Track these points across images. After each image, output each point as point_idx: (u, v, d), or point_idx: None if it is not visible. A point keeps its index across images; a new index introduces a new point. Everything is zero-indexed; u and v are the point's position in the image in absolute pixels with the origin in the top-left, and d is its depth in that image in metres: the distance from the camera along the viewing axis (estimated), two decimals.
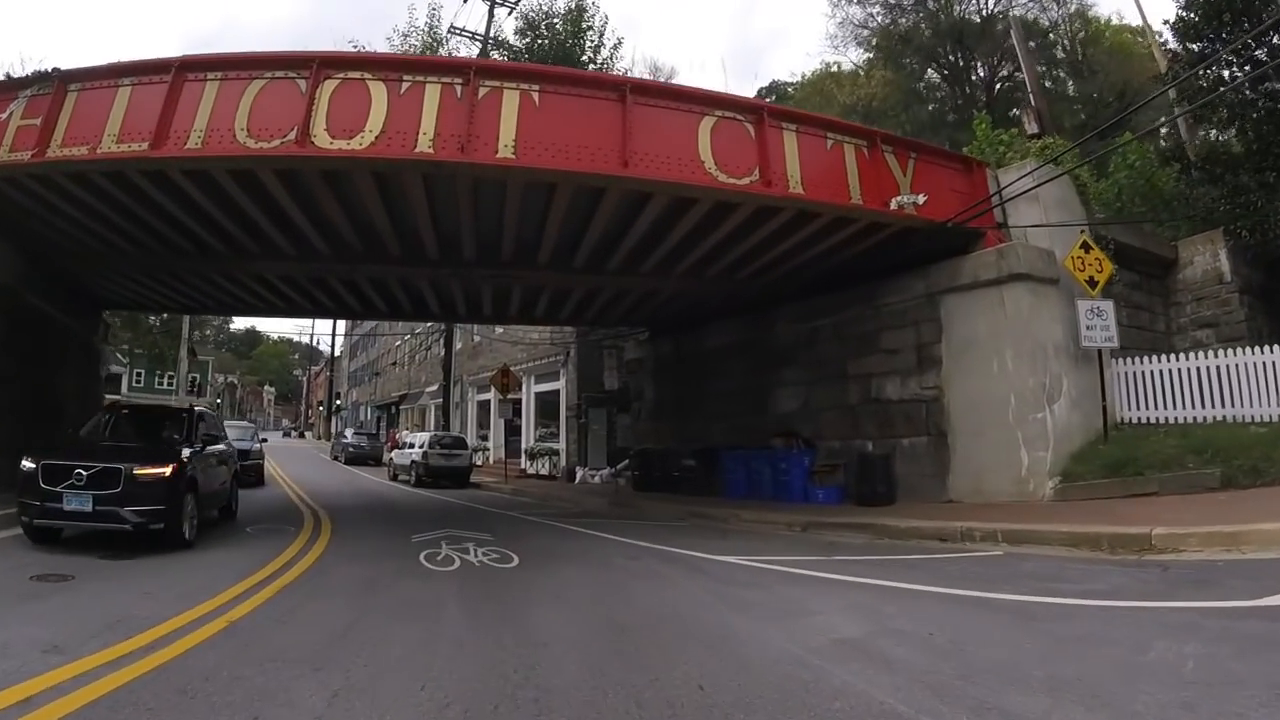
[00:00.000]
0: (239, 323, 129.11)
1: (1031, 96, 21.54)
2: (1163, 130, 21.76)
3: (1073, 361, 11.93)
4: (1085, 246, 12.17)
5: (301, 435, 72.42)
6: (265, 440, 29.80)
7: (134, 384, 66.35)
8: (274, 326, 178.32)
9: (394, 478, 23.81)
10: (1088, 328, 11.66)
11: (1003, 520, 9.17)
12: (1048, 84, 30.22)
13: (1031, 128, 20.20)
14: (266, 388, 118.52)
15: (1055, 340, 11.85)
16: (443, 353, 35.75)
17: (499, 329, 28.82)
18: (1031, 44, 29.40)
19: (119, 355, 47.98)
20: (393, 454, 24.87)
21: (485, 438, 29.67)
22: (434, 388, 36.11)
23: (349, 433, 37.47)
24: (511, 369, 22.90)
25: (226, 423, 20.43)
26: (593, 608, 5.56)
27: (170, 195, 10.39)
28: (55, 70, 9.61)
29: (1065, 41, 32.20)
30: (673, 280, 14.68)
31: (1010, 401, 11.53)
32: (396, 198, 10.53)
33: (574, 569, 7.27)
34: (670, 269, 13.86)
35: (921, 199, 11.69)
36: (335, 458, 35.56)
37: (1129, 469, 10.37)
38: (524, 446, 25.49)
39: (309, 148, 8.81)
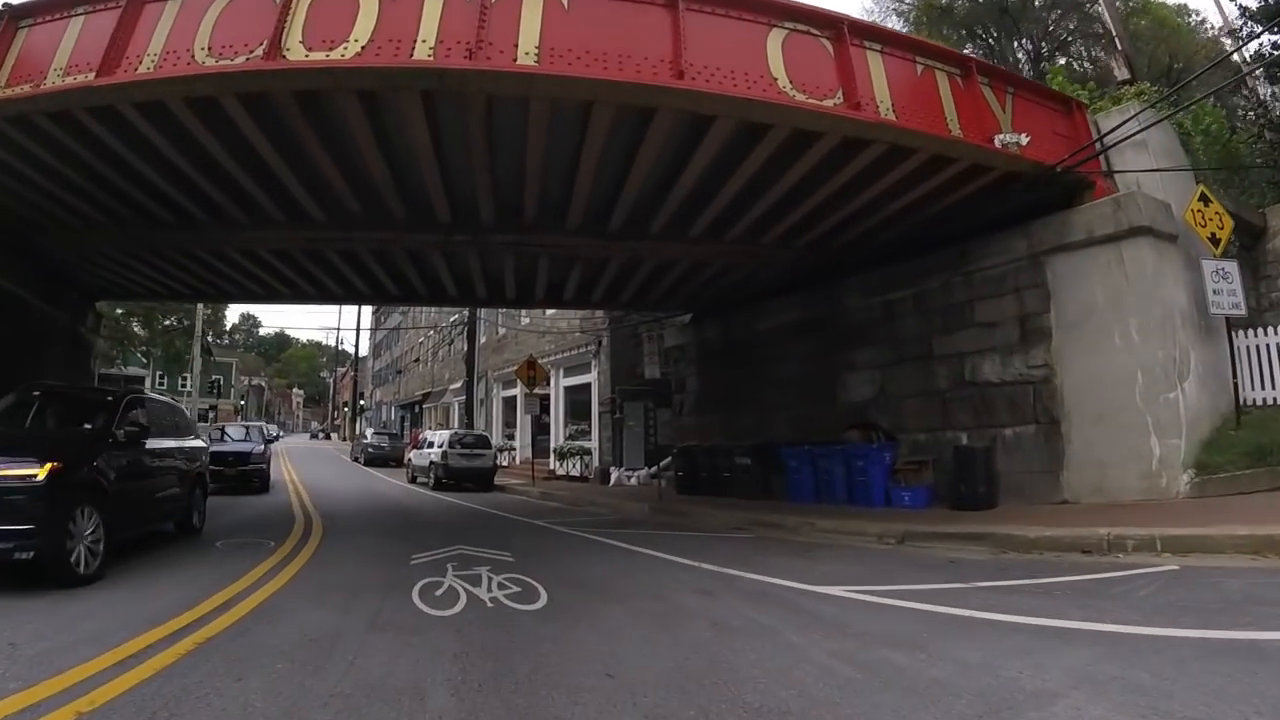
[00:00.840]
0: (267, 326, 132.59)
1: (1118, 40, 19.31)
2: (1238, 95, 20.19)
3: (1197, 332, 10.12)
4: (1204, 199, 10.45)
5: (328, 437, 71.51)
6: (275, 439, 28.47)
7: (156, 385, 66.02)
8: (299, 321, 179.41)
9: (412, 480, 22.12)
10: (1214, 292, 10.04)
11: (1151, 524, 7.43)
12: (1093, 54, 28.34)
13: (1121, 73, 17.95)
14: (295, 390, 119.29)
15: (1180, 306, 9.98)
16: (465, 347, 34.12)
17: (525, 318, 27.03)
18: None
19: (141, 356, 47.38)
20: (411, 454, 23.16)
21: (511, 436, 27.87)
22: (457, 385, 34.46)
23: (369, 433, 35.92)
24: (538, 361, 21.03)
25: (234, 424, 18.79)
26: (675, 701, 3.37)
27: (127, 141, 8.74)
28: (6, 6, 8.24)
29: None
30: (724, 248, 12.73)
31: (1137, 380, 9.57)
32: (394, 136, 8.68)
33: (625, 613, 5.21)
34: (723, 232, 11.91)
35: (1025, 139, 9.69)
36: (355, 459, 34.08)
37: (1276, 457, 8.93)
38: (553, 445, 23.61)
39: (279, 61, 7.03)
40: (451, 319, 35.53)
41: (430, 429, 36.45)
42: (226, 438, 15.61)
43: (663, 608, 5.49)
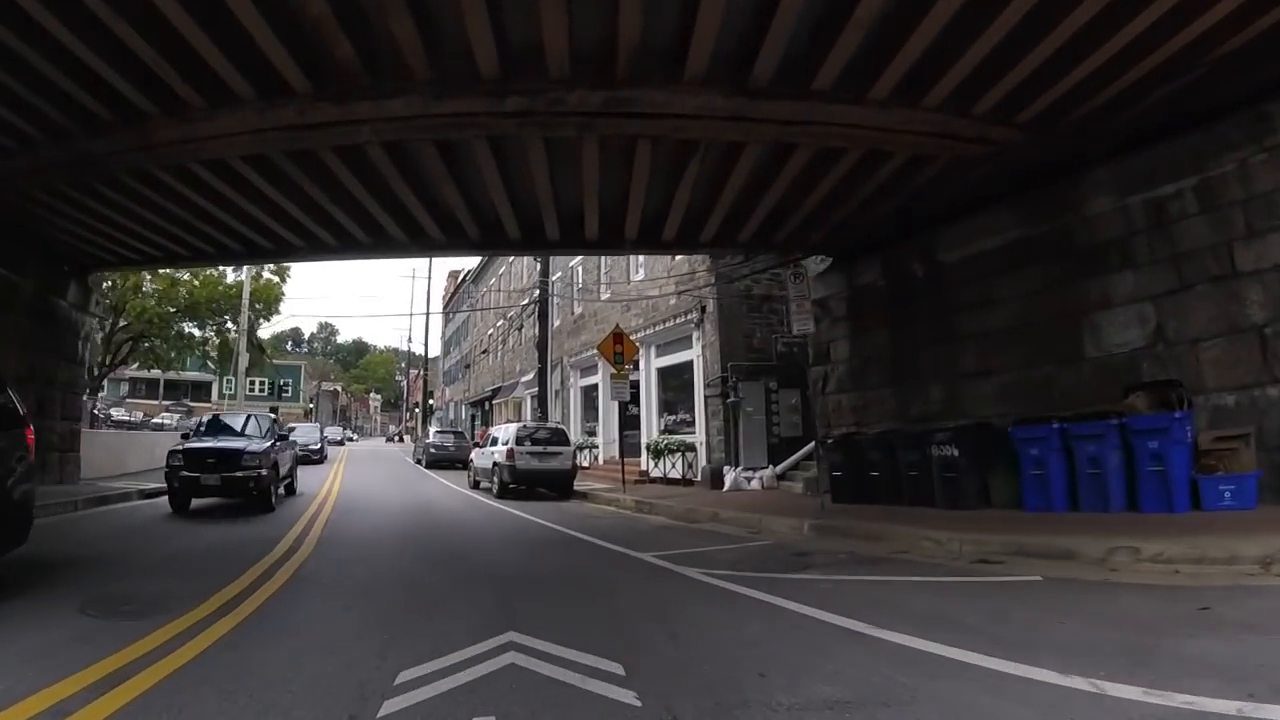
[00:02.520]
0: (345, 334, 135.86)
1: None
2: None
3: None
4: None
5: (401, 440, 69.50)
6: (340, 441, 25.84)
7: (224, 390, 65.32)
8: (375, 327, 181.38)
9: (475, 485, 18.36)
10: None
11: None
12: None
13: None
14: (372, 395, 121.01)
15: None
16: (536, 332, 30.32)
17: (605, 290, 22.95)
18: None
19: (209, 362, 45.65)
20: (473, 458, 19.40)
21: (592, 432, 23.79)
22: (529, 376, 30.73)
23: (431, 432, 32.53)
24: (626, 335, 16.85)
25: (233, 413, 15.43)
26: None
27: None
28: None
29: None
30: (918, 119, 8.34)
31: None
32: None
33: None
34: (920, 92, 7.65)
35: None
36: (417, 461, 30.85)
37: None
38: (645, 441, 19.41)
39: None
40: (523, 304, 31.86)
41: (498, 426, 32.94)
42: (219, 434, 12.01)
43: None
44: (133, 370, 58.48)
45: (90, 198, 10.73)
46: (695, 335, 17.56)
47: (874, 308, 12.87)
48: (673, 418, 18.91)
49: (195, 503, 11.29)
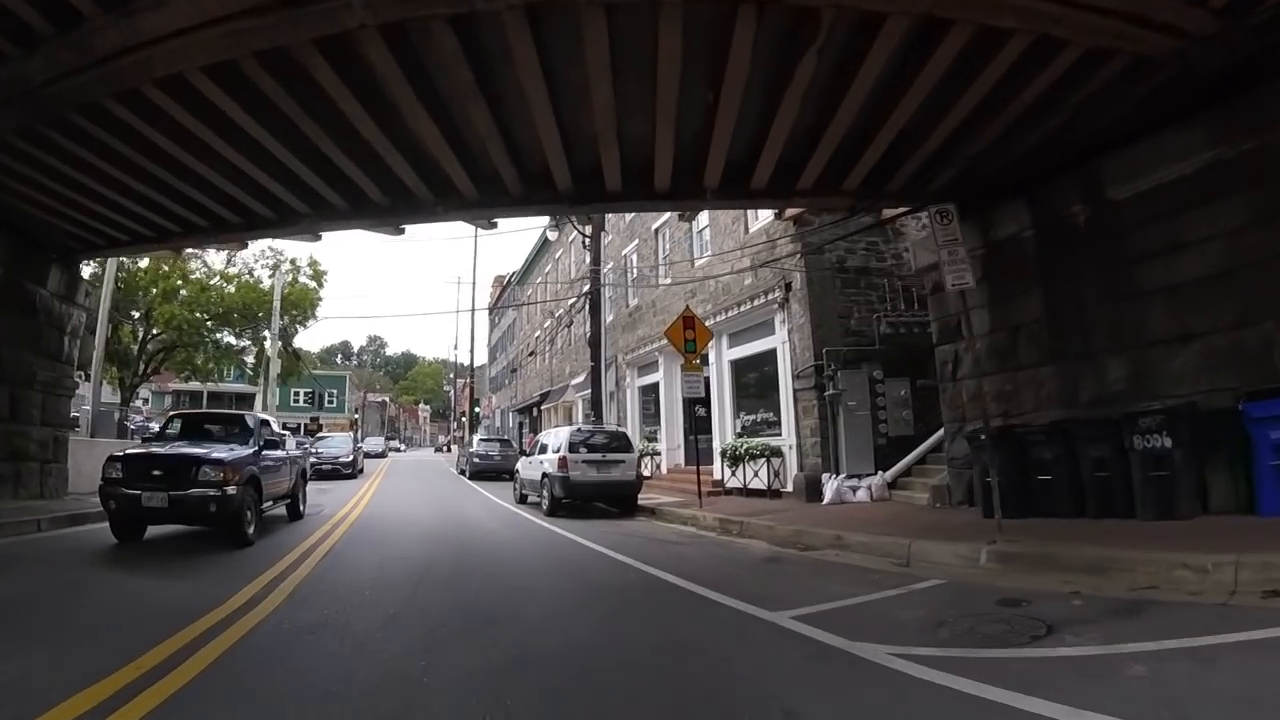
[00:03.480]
0: (394, 347, 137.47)
1: None
2: None
3: None
4: None
5: (449, 449, 68.06)
6: (386, 452, 23.71)
7: (268, 402, 64.67)
8: (423, 338, 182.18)
9: (521, 500, 16.07)
10: None
11: None
12: None
13: None
14: (421, 406, 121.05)
15: None
16: (588, 328, 28.02)
17: (665, 275, 20.50)
18: None
19: (250, 372, 44.61)
20: (519, 468, 17.17)
21: (653, 437, 21.27)
22: (579, 378, 28.46)
23: (475, 440, 30.33)
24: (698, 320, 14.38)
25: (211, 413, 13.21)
26: None
27: None
28: None
29: None
30: None
31: None
32: None
33: None
34: None
35: None
36: (460, 472, 28.79)
37: None
38: (719, 446, 16.90)
39: None
40: (570, 300, 29.64)
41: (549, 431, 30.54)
42: (190, 437, 9.49)
43: None
44: (176, 383, 58.31)
45: (44, 150, 8.75)
46: (779, 318, 14.98)
47: (1020, 265, 10.16)
48: (751, 418, 16.32)
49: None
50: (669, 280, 20.24)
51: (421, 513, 13.57)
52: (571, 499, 13.25)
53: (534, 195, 10.12)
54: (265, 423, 10.71)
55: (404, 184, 9.67)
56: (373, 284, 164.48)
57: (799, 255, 14.54)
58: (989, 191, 10.48)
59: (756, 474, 14.68)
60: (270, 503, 10.34)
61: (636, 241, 23.02)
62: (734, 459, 15.27)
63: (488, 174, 9.56)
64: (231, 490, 8.15)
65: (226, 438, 9.64)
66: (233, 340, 37.75)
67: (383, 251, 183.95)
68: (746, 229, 16.62)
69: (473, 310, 52.52)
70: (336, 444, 26.44)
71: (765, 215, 16.22)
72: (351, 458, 25.54)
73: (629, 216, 24.18)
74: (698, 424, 19.71)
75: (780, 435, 14.82)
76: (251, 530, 8.70)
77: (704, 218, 18.79)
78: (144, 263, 33.92)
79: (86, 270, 32.99)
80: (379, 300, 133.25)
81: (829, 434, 13.59)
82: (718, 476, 16.42)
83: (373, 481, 21.89)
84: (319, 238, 13.44)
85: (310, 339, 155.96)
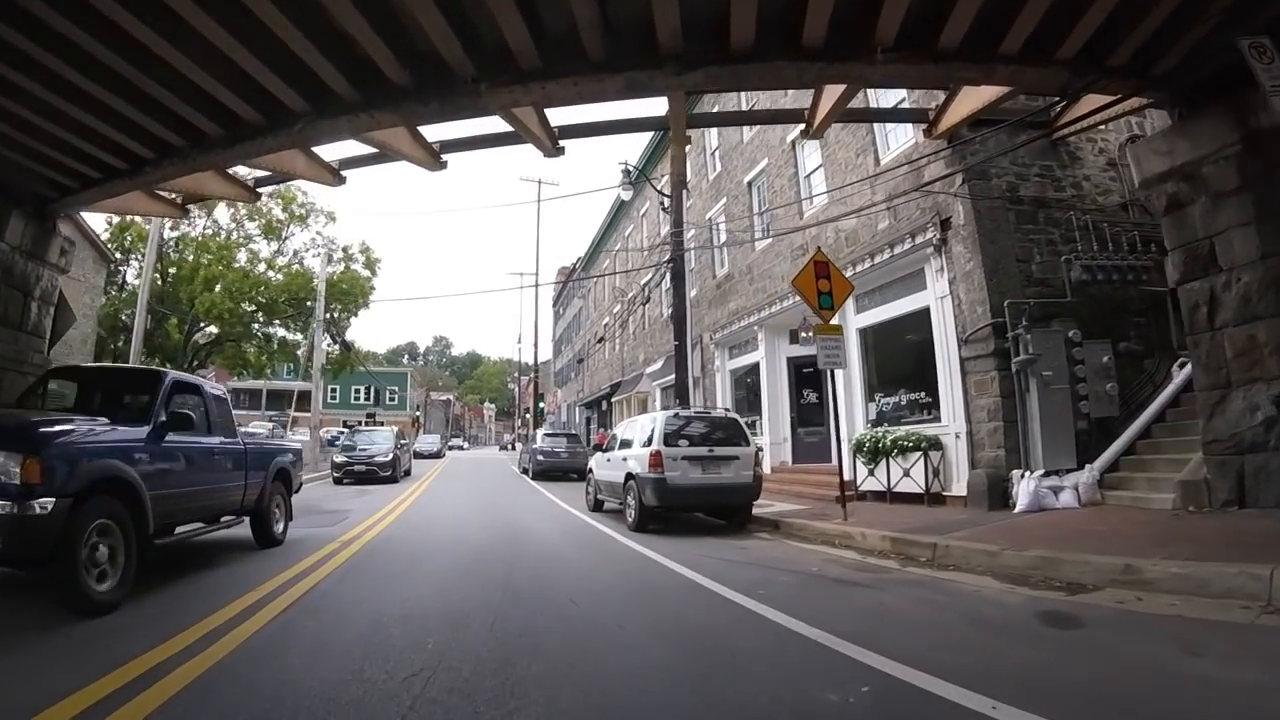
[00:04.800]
0: (460, 348, 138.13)
1: None
2: None
3: None
4: None
5: (513, 447, 65.90)
6: (432, 453, 20.42)
7: (328, 401, 63.46)
8: (488, 337, 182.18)
9: (596, 507, 12.85)
10: None
11: None
12: None
13: None
14: (487, 405, 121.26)
15: None
16: (664, 308, 24.76)
17: (763, 235, 17.03)
18: None
19: (307, 366, 42.49)
20: (592, 464, 13.93)
21: (752, 425, 17.79)
22: (656, 364, 25.19)
23: (539, 435, 26.31)
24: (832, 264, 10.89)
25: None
26: None
27: None
28: None
29: None
30: None
31: None
32: None
33: None
34: None
35: None
36: (523, 471, 25.84)
37: None
38: (847, 436, 13.36)
39: None
40: (644, 280, 26.42)
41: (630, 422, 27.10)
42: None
43: None
44: (235, 381, 57.46)
45: None
46: (932, 267, 11.39)
47: None
48: (891, 400, 12.69)
49: None
50: (768, 241, 16.78)
51: (466, 528, 10.33)
52: (667, 508, 9.98)
53: (622, 55, 6.86)
54: (185, 387, 6.85)
55: (430, 48, 6.59)
56: (432, 277, 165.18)
57: (960, 182, 10.94)
58: (1239, 71, 6.85)
59: (907, 473, 11.12)
60: (200, 525, 6.90)
61: (724, 201, 19.60)
62: (874, 454, 11.73)
63: (555, 28, 6.42)
64: (39, 507, 4.36)
65: (126, 411, 6.17)
66: (285, 334, 35.94)
67: (441, 240, 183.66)
68: (877, 160, 13.09)
69: (536, 285, 49.74)
70: (373, 441, 21.97)
71: (903, 140, 12.70)
72: (390, 458, 20.44)
73: (712, 173, 20.82)
74: (808, 413, 16.27)
75: (938, 421, 11.21)
76: (109, 584, 4.88)
77: (814, 157, 15.30)
78: (190, 256, 32.50)
79: (131, 273, 31.50)
80: (439, 293, 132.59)
81: (1016, 416, 9.99)
82: (850, 476, 12.90)
83: (418, 486, 18.86)
84: (341, 179, 10.58)
85: (375, 339, 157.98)
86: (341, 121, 7.54)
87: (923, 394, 11.80)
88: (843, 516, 9.43)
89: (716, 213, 20.05)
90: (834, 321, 10.36)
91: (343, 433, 22.81)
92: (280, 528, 8.36)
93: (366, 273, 36.04)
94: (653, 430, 10.26)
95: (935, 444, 11.05)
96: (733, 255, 19.19)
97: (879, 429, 12.10)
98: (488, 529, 10.24)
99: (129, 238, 30.65)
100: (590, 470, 13.49)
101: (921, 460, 10.98)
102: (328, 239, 34.49)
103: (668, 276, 22.42)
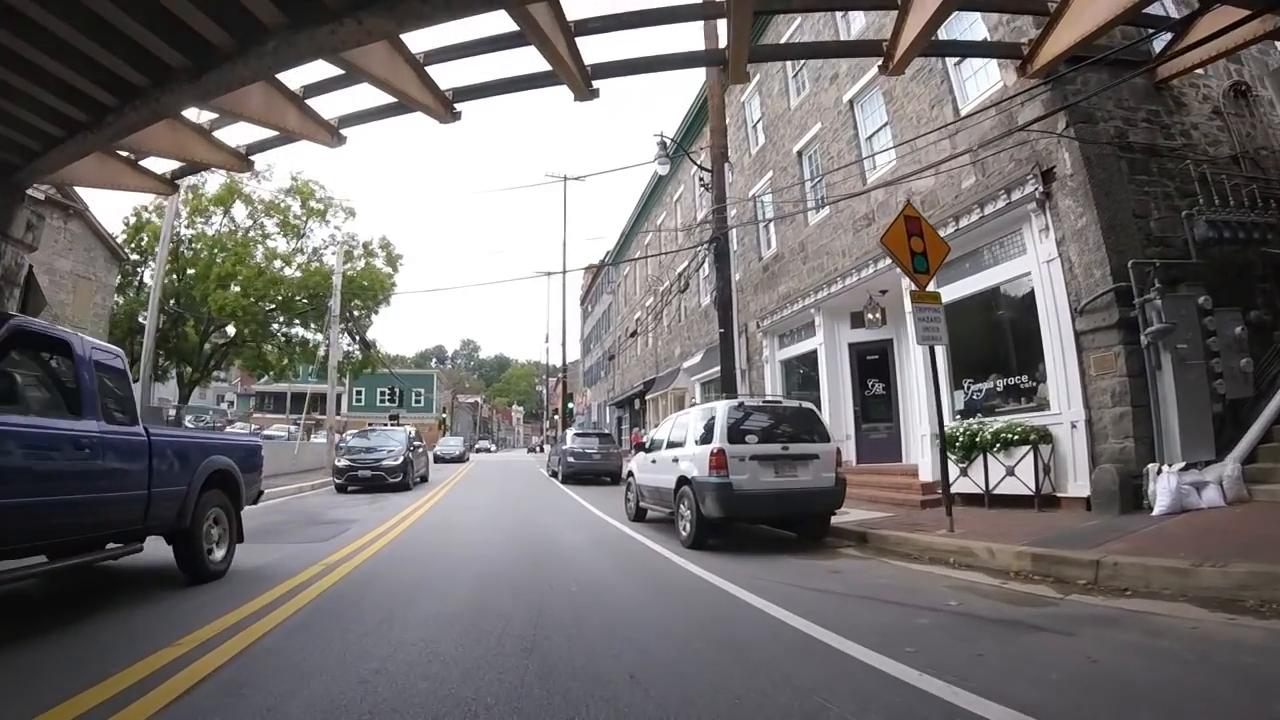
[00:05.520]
0: (487, 351, 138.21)
1: None
2: None
3: None
4: None
5: (541, 449, 64.75)
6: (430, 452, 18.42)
7: (354, 404, 62.75)
8: (515, 340, 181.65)
9: (638, 516, 11.24)
10: None
11: None
12: None
13: None
14: (515, 408, 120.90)
15: None
16: (702, 298, 23.13)
17: (817, 205, 15.38)
18: None
19: (344, 379, 41.23)
20: (632, 466, 12.10)
21: None
22: (696, 358, 23.59)
23: (569, 434, 23.98)
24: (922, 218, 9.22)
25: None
26: None
27: None
28: None
29: None
30: None
31: None
32: None
33: None
34: None
35: None
36: (552, 474, 24.28)
37: None
38: (923, 432, 11.69)
39: None
40: (680, 269, 24.85)
41: (655, 426, 25.33)
42: None
43: None
44: (260, 384, 56.98)
45: None
46: (1032, 228, 9.68)
47: None
48: (982, 386, 10.95)
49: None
50: (825, 212, 15.12)
51: (483, 547, 8.62)
52: (731, 520, 8.29)
53: None
54: (37, 340, 4.87)
55: None
56: (457, 275, 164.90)
57: (1064, 125, 9.25)
58: None
59: (1011, 471, 9.42)
60: (74, 555, 4.97)
61: (769, 175, 17.95)
62: (966, 450, 10.06)
63: None
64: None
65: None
66: (306, 334, 34.88)
67: (466, 238, 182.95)
68: (956, 111, 11.42)
69: (564, 270, 48.40)
70: (382, 442, 19.03)
71: (985, 85, 11.02)
72: (400, 461, 17.76)
73: (754, 148, 19.21)
74: (871, 407, 14.58)
75: (1045, 409, 9.51)
76: None
77: (878, 115, 13.63)
78: (205, 253, 31.49)
79: (148, 274, 30.48)
80: (462, 284, 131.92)
81: (1147, 399, 8.30)
82: (925, 477, 11.27)
83: (436, 492, 17.27)
84: (341, 138, 9.23)
85: (403, 343, 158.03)
86: (323, 34, 6.05)
87: (1023, 378, 10.08)
88: (947, 526, 7.79)
89: (761, 187, 18.39)
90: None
91: (352, 433, 20.70)
92: (221, 554, 6.31)
93: (388, 269, 34.90)
94: (712, 424, 8.55)
95: (1044, 435, 9.36)
96: (781, 234, 17.52)
97: (969, 421, 10.41)
98: (510, 548, 8.53)
99: (144, 238, 29.81)
100: (630, 474, 11.87)
101: (1030, 456, 9.29)
102: (348, 235, 33.45)
103: (706, 262, 20.88)
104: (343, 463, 18.08)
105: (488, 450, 70.50)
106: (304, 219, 32.44)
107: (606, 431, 28.72)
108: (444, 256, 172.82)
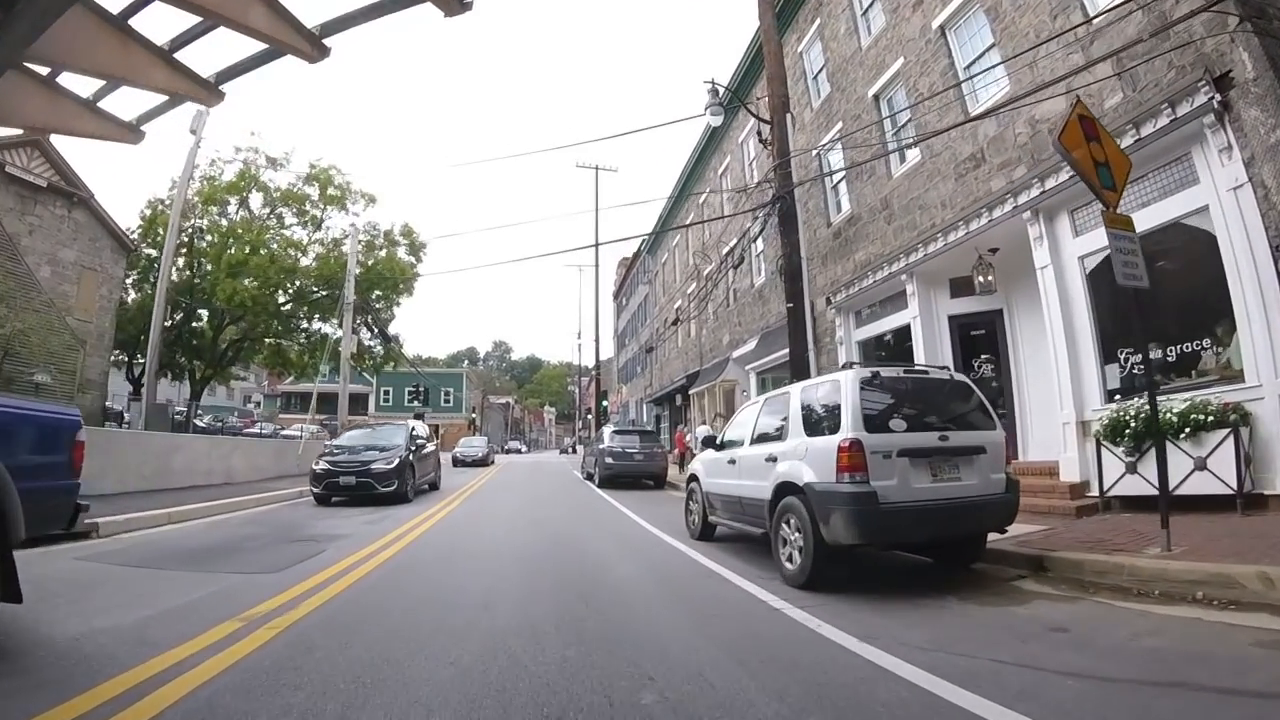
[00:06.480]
0: (519, 352, 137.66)
1: None
2: None
3: None
4: None
5: (574, 450, 63.17)
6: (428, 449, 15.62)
7: (381, 403, 61.50)
8: (546, 340, 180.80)
9: (704, 534, 9.01)
10: None
11: None
12: None
13: None
14: (547, 409, 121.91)
15: None
16: (753, 277, 20.96)
17: (896, 145, 13.24)
18: None
19: (366, 375, 39.65)
20: (697, 468, 9.58)
21: None
22: (750, 345, 21.48)
23: (607, 432, 21.09)
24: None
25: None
26: None
27: None
28: None
29: None
30: None
31: None
32: None
33: None
34: None
35: None
36: (587, 477, 22.28)
37: None
38: (1066, 419, 9.39)
39: None
40: (728, 248, 22.73)
41: (703, 424, 23.32)
42: None
43: None
44: (286, 385, 55.98)
45: None
46: (1211, 148, 7.41)
47: None
48: (1144, 361, 8.77)
49: None
50: (917, 157, 12.96)
51: (493, 593, 5.66)
52: (874, 545, 6.05)
53: None
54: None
55: None
56: (487, 275, 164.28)
57: (1238, 21, 7.05)
58: None
59: (1204, 464, 7.25)
60: None
61: (839, 126, 15.78)
62: (1136, 439, 7.89)
63: None
64: None
65: None
66: (327, 330, 33.32)
67: (496, 236, 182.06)
68: (1085, 14, 9.26)
69: (596, 245, 46.54)
70: (375, 440, 15.27)
71: None
72: (394, 465, 14.03)
73: (816, 100, 17.07)
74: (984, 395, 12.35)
75: (1239, 382, 7.33)
76: None
77: (980, 38, 11.46)
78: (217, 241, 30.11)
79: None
80: (487, 262, 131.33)
81: None
82: (1070, 476, 9.07)
83: (451, 500, 14.75)
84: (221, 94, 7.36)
85: (434, 344, 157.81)
86: None
87: (1203, 341, 7.87)
88: (1159, 543, 5.66)
89: (829, 140, 16.22)
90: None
91: (354, 430, 17.31)
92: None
93: (410, 258, 33.25)
94: (835, 407, 6.09)
95: (1244, 417, 7.17)
96: (857, 192, 15.32)
97: (1132, 402, 8.22)
98: (536, 594, 5.67)
99: (160, 231, 28.49)
100: (694, 478, 9.62)
101: (1230, 442, 7.09)
102: (368, 224, 31.91)
103: (761, 237, 18.75)
104: (321, 466, 14.22)
105: (519, 451, 68.96)
106: (322, 207, 31.00)
107: (649, 429, 26.69)
108: (471, 246, 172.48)
